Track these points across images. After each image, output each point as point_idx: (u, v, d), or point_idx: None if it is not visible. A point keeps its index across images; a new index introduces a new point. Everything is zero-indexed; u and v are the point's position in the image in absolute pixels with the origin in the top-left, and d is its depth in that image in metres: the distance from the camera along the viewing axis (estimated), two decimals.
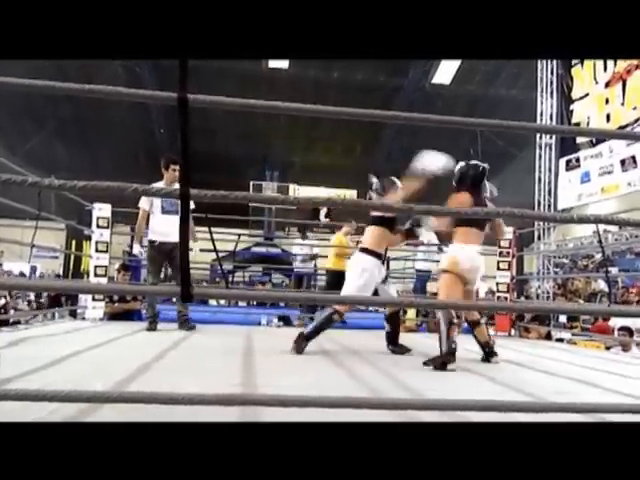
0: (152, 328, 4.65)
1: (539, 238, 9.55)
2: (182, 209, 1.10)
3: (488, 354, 3.56)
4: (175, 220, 4.71)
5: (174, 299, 5.19)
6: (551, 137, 10.05)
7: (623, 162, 8.69)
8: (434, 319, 6.47)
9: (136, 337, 4.26)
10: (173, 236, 4.50)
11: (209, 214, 2.94)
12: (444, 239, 4.25)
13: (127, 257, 8.81)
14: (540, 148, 10.04)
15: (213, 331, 4.87)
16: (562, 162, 9.60)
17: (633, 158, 8.47)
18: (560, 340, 6.36)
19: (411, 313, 6.58)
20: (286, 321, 6.38)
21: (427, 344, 4.50)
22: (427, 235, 7.22)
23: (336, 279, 5.59)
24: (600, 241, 4.56)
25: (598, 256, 12.64)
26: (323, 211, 16.08)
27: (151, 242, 4.73)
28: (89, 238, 5.57)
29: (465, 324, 3.57)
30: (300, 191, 17.97)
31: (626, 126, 8.51)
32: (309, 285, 7.94)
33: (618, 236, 12.16)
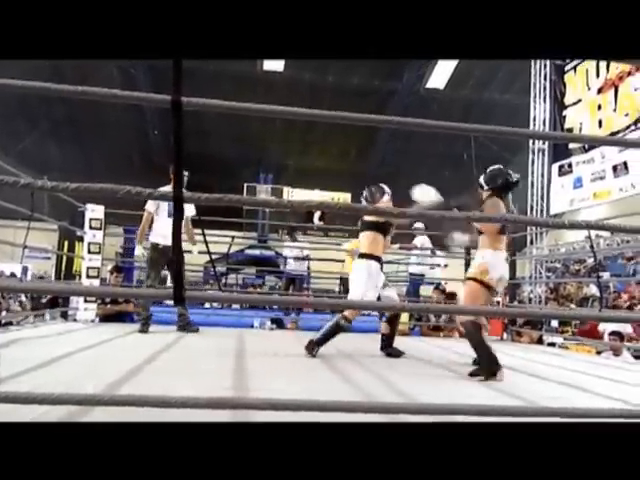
0: (145, 330, 4.66)
1: (532, 243, 9.60)
2: (175, 212, 1.09)
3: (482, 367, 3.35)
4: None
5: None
6: (544, 142, 10.11)
7: (615, 168, 8.76)
8: (428, 323, 6.49)
9: (128, 339, 4.24)
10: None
11: (203, 216, 2.94)
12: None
13: (120, 259, 8.76)
14: (533, 153, 10.10)
15: (206, 333, 4.86)
16: (555, 167, 9.67)
17: (625, 164, 8.54)
18: (552, 344, 6.38)
19: (404, 317, 6.58)
20: (279, 324, 6.36)
21: (420, 347, 4.52)
22: (421, 239, 7.25)
23: None
24: (592, 246, 4.59)
25: (590, 261, 12.71)
26: (317, 214, 16.11)
27: (154, 244, 4.77)
28: (81, 239, 5.54)
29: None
30: (294, 194, 17.98)
31: (618, 132, 8.57)
32: (301, 288, 7.92)
33: (610, 241, 12.24)
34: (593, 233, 6.13)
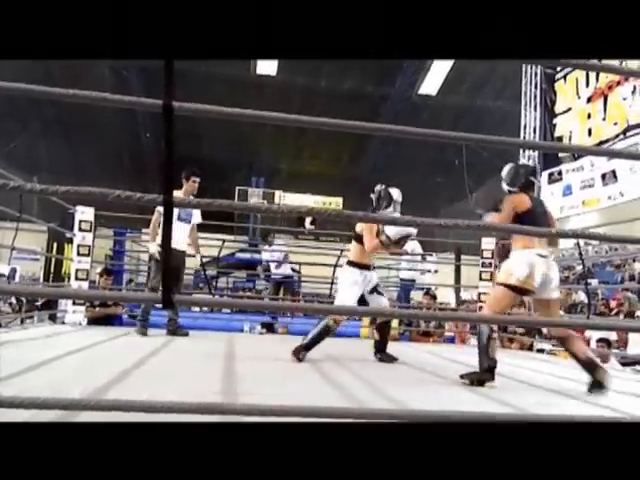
0: (144, 332, 4.66)
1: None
2: (165, 216, 1.09)
3: (593, 370, 2.95)
4: (185, 229, 4.85)
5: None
6: (534, 150, 10.20)
7: (604, 176, 8.85)
8: (417, 328, 6.51)
9: (117, 342, 4.22)
10: (182, 244, 4.77)
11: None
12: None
13: (109, 261, 8.71)
14: (523, 159, 10.19)
15: (195, 337, 4.84)
16: (544, 175, 9.76)
17: (613, 172, 8.63)
18: (541, 351, 6.41)
19: (394, 322, 6.60)
20: (269, 328, 6.35)
21: (409, 354, 4.52)
22: (411, 244, 7.27)
23: None
24: (580, 253, 4.62)
25: (579, 268, 12.80)
26: (308, 219, 16.11)
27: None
28: (71, 241, 5.50)
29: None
30: (286, 198, 17.98)
31: (607, 141, 8.68)
32: (292, 292, 7.91)
33: (598, 249, 12.34)
34: (582, 240, 6.16)
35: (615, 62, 5.19)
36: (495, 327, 3.07)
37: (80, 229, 5.34)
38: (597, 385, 2.89)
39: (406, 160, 16.26)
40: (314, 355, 3.75)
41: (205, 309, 7.15)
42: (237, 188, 17.64)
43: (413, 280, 7.52)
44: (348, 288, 3.73)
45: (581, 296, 11.08)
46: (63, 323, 5.30)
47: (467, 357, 3.63)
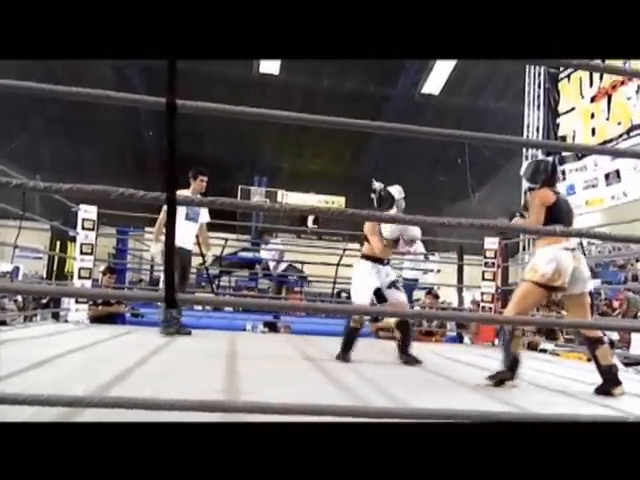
0: (167, 333, 4.55)
1: (524, 249, 9.64)
2: (168, 214, 1.09)
3: (610, 382, 2.88)
4: (193, 228, 4.83)
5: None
6: (537, 149, 10.17)
7: (607, 176, 8.83)
8: (420, 328, 6.50)
9: (119, 340, 4.22)
10: (188, 243, 4.76)
11: None
12: None
13: (112, 259, 8.72)
14: (526, 160, 10.16)
15: (197, 336, 4.84)
16: None
17: (617, 172, 8.61)
18: (543, 351, 6.40)
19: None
20: (272, 327, 6.35)
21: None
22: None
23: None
24: (584, 253, 4.61)
25: None
26: (311, 217, 16.13)
27: None
28: (74, 239, 5.51)
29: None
30: (289, 197, 17.97)
31: (610, 141, 8.65)
32: (292, 291, 7.92)
33: (601, 249, 12.31)
34: (585, 240, 6.15)
35: (619, 62, 5.18)
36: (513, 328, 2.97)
37: (83, 227, 5.34)
38: (605, 393, 2.85)
39: (408, 159, 16.23)
40: (317, 354, 3.76)
41: (208, 308, 7.16)
42: (240, 187, 17.64)
43: (416, 280, 7.52)
44: (362, 282, 3.67)
45: None
46: (66, 321, 5.31)
47: (469, 357, 3.63)
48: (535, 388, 3.09)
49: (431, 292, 7.09)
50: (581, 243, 4.35)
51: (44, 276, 7.33)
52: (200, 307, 7.21)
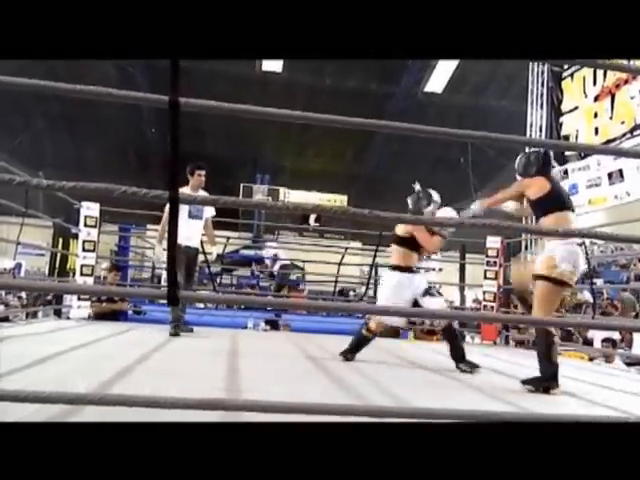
0: (177, 333, 4.47)
1: (526, 248, 9.63)
2: (170, 213, 1.09)
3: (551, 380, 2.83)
4: (198, 225, 4.77)
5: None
6: (540, 148, 10.13)
7: (610, 175, 8.80)
8: (422, 327, 6.49)
9: (121, 338, 4.23)
10: (195, 240, 4.71)
11: None
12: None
13: (114, 257, 8.73)
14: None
15: (199, 334, 4.84)
16: None
17: (620, 172, 8.58)
18: None
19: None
20: (273, 325, 6.35)
21: (414, 352, 4.51)
22: None
23: None
24: (586, 253, 4.59)
25: (584, 267, 12.70)
26: (313, 215, 16.12)
27: (177, 245, 4.72)
28: (76, 236, 5.52)
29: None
30: (291, 195, 17.96)
31: (614, 140, 8.62)
32: (301, 290, 7.94)
33: (604, 248, 12.29)
34: (587, 240, 6.15)
35: (623, 60, 5.15)
36: (553, 330, 2.88)
37: (85, 225, 5.36)
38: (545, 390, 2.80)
39: (410, 158, 16.21)
40: (319, 353, 3.76)
41: (209, 305, 7.17)
42: (242, 185, 17.63)
43: None
44: (392, 295, 3.53)
45: (586, 295, 11.04)
46: (68, 318, 5.32)
47: (471, 356, 3.62)
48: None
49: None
50: (584, 243, 4.34)
51: (46, 273, 7.34)
52: (202, 305, 7.22)
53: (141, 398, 1.08)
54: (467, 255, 6.99)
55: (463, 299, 7.57)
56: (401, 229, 3.64)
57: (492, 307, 6.00)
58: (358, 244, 14.37)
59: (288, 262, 9.34)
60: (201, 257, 5.26)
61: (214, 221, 5.17)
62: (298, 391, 2.43)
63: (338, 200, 18.05)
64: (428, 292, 3.57)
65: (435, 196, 3.63)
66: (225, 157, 16.74)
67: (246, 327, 6.08)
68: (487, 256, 6.06)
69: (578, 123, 9.59)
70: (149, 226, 8.47)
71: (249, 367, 3.10)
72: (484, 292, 6.14)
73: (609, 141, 8.69)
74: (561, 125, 9.99)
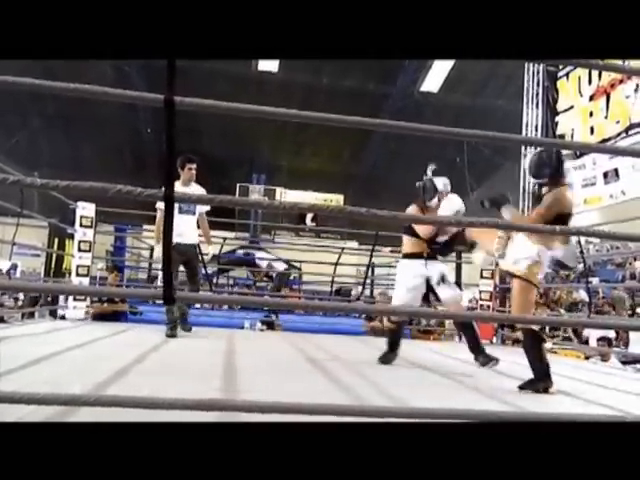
0: (173, 334, 4.41)
1: None
2: (166, 211, 1.09)
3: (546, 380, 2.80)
4: (191, 220, 4.59)
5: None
6: (536, 147, 10.16)
7: (606, 175, 8.84)
8: (418, 326, 6.50)
9: (117, 338, 4.22)
10: (188, 236, 4.46)
11: None
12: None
13: (110, 257, 8.71)
14: (525, 158, 10.17)
15: (196, 333, 4.83)
16: None
17: (615, 171, 8.61)
18: None
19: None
20: (270, 325, 6.35)
21: (411, 352, 4.51)
22: None
23: None
24: (582, 252, 4.61)
25: (580, 266, 12.76)
26: (309, 215, 16.12)
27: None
28: (72, 237, 5.50)
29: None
30: (287, 195, 17.95)
31: (609, 139, 8.65)
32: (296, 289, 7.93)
33: (599, 247, 12.32)
34: (583, 239, 6.16)
35: (618, 61, 5.17)
36: (538, 329, 2.87)
37: (81, 225, 5.34)
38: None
39: (407, 157, 16.21)
40: (316, 354, 3.76)
41: (206, 305, 7.16)
42: (238, 185, 17.61)
43: None
44: (404, 282, 3.59)
45: (582, 294, 11.08)
46: (63, 318, 5.30)
47: (468, 355, 3.63)
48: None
49: None
50: (579, 242, 4.35)
51: (42, 273, 7.32)
52: (198, 305, 7.21)
53: (138, 399, 1.08)
54: (463, 255, 7.00)
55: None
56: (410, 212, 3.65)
57: (488, 306, 6.01)
58: (355, 244, 14.38)
59: (285, 267, 9.35)
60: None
61: (210, 221, 5.07)
62: (296, 391, 2.42)
63: (334, 200, 18.04)
64: (443, 280, 3.54)
65: (441, 186, 3.58)
66: (221, 156, 16.72)
67: (243, 327, 6.08)
68: None
69: (573, 122, 9.62)
70: (145, 226, 8.45)
71: (246, 367, 3.10)
72: (480, 291, 6.15)
73: (604, 140, 8.72)
74: (557, 124, 10.02)
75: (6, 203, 4.13)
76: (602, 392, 3.06)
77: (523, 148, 10.49)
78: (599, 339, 5.85)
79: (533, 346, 2.81)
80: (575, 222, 3.29)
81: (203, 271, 6.27)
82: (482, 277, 6.10)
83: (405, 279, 3.59)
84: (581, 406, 2.53)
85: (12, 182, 1.02)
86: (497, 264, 2.84)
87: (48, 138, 16.00)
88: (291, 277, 9.85)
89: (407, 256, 3.65)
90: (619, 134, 8.51)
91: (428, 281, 3.54)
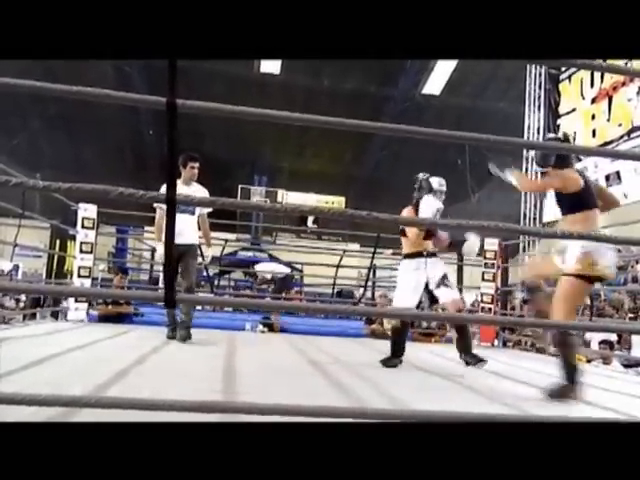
0: (173, 336, 4.37)
1: (524, 250, 9.64)
2: (168, 213, 1.09)
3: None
4: (189, 220, 4.46)
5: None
6: (537, 151, 10.16)
7: (608, 177, 8.83)
8: (419, 329, 6.49)
9: (118, 340, 4.22)
10: (186, 236, 4.31)
11: None
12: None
13: (112, 258, 8.72)
14: (527, 161, 10.17)
15: (196, 335, 4.82)
16: None
17: (617, 174, 8.61)
18: (541, 350, 6.40)
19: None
20: (271, 327, 6.34)
21: (411, 354, 4.50)
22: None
23: None
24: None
25: None
26: (311, 217, 16.13)
27: None
28: (74, 238, 5.51)
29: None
30: (289, 197, 17.95)
31: (611, 142, 8.65)
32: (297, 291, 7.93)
33: None
34: None
35: (620, 62, 5.17)
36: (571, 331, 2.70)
37: (83, 226, 5.34)
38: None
39: (408, 160, 16.20)
40: (317, 356, 3.75)
41: (207, 307, 7.16)
42: (239, 186, 17.62)
43: None
44: (405, 284, 3.62)
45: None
46: (65, 320, 5.31)
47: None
48: (534, 389, 3.08)
49: None
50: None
51: (43, 275, 7.33)
52: (199, 307, 7.21)
53: (138, 401, 1.08)
54: (465, 257, 6.99)
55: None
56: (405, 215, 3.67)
57: (490, 309, 6.00)
58: (356, 246, 14.37)
59: (287, 272, 9.35)
60: (199, 259, 5.23)
61: (211, 222, 5.02)
62: (296, 393, 2.42)
63: (336, 202, 18.05)
64: (443, 282, 3.57)
65: (436, 185, 3.65)
66: (223, 158, 16.72)
67: (244, 329, 6.08)
68: (485, 258, 6.06)
69: (575, 125, 9.62)
70: (146, 227, 8.45)
71: (247, 369, 3.10)
72: (482, 294, 6.14)
73: (606, 143, 8.71)
74: (558, 127, 10.02)
75: (8, 204, 4.14)
76: (604, 395, 3.05)
77: (525, 150, 10.49)
78: (601, 342, 5.84)
79: (567, 351, 2.65)
80: None
81: (204, 273, 6.28)
82: (484, 280, 6.09)
83: (406, 279, 3.61)
84: (583, 409, 2.52)
85: (15, 184, 1.03)
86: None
87: (50, 139, 16.02)
88: (292, 279, 9.85)
89: (407, 256, 3.68)
90: (621, 137, 8.51)
91: (427, 284, 3.58)
